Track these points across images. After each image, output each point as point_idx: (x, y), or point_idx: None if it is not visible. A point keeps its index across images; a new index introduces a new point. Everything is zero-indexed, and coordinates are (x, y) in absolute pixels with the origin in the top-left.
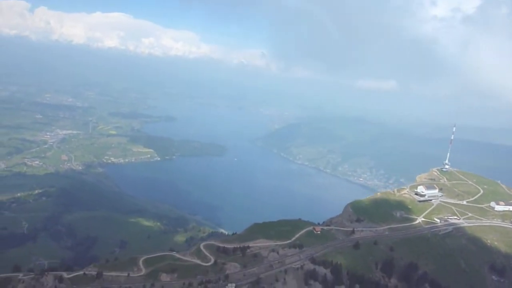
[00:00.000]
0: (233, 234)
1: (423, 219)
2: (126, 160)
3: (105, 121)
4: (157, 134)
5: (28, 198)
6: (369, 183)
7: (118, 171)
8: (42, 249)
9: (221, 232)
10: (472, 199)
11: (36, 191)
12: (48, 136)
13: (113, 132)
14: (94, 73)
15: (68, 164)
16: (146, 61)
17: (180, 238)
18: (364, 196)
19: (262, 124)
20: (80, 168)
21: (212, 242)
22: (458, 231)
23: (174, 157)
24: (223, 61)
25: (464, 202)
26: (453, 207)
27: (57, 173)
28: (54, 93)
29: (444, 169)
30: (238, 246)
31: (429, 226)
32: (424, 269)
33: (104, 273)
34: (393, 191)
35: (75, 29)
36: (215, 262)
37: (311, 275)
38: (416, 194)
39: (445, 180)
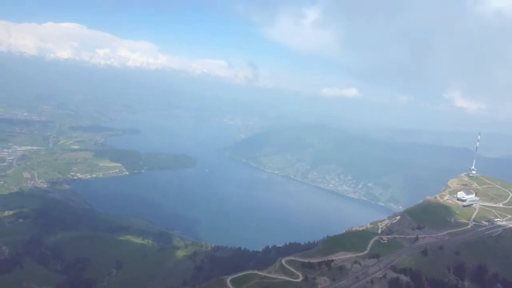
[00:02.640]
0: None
1: (473, 223)
2: (93, 175)
3: (66, 135)
4: (123, 147)
5: (4, 221)
6: (339, 189)
7: (86, 188)
8: (31, 274)
9: (225, 246)
10: (506, 201)
11: (7, 213)
12: (6, 153)
13: (76, 147)
14: (49, 86)
15: (32, 182)
16: (103, 73)
17: (181, 254)
18: (336, 201)
19: (228, 134)
20: (45, 185)
21: (292, 258)
22: (506, 232)
23: (143, 170)
24: (184, 71)
25: (501, 205)
26: (493, 210)
27: (21, 192)
28: (6, 107)
29: (471, 175)
30: (322, 260)
31: (480, 229)
32: (492, 270)
33: None
34: (436, 197)
35: (25, 40)
36: (306, 277)
37: (395, 283)
38: (458, 199)
39: (476, 185)
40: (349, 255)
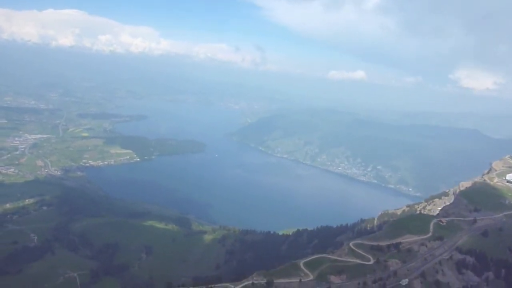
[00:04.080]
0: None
1: None
2: (105, 162)
3: (74, 123)
4: (131, 134)
5: (28, 208)
6: (348, 172)
7: (99, 174)
8: (64, 261)
9: (253, 230)
10: None
11: (28, 201)
12: (18, 142)
13: (86, 134)
14: (54, 73)
15: (46, 170)
16: (107, 59)
17: (209, 238)
18: (346, 184)
19: (234, 118)
20: (59, 173)
21: (359, 241)
22: None
23: (153, 156)
24: (187, 56)
25: None
26: None
27: (37, 180)
28: (14, 96)
29: None
30: (391, 243)
31: None
32: None
33: (275, 281)
34: (484, 180)
35: (27, 27)
36: (378, 260)
37: (462, 264)
38: (508, 181)
39: None
40: (415, 237)
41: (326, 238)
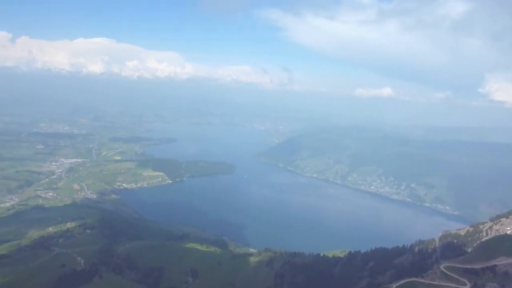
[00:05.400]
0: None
1: None
2: (138, 185)
3: (106, 147)
4: (162, 156)
5: (73, 232)
6: (381, 191)
7: (132, 197)
8: (112, 284)
9: (301, 252)
10: None
11: (69, 224)
12: (54, 166)
13: (118, 158)
14: (85, 99)
15: (82, 193)
16: (135, 85)
17: (254, 261)
18: (380, 203)
19: (260, 139)
20: (95, 196)
21: (449, 264)
22: None
23: (184, 178)
24: (213, 79)
25: None
26: None
27: (75, 204)
28: (49, 122)
29: None
30: (485, 266)
31: None
32: None
33: None
34: None
35: (58, 56)
36: (475, 284)
37: None
38: None
39: None
40: (510, 260)
41: (383, 260)
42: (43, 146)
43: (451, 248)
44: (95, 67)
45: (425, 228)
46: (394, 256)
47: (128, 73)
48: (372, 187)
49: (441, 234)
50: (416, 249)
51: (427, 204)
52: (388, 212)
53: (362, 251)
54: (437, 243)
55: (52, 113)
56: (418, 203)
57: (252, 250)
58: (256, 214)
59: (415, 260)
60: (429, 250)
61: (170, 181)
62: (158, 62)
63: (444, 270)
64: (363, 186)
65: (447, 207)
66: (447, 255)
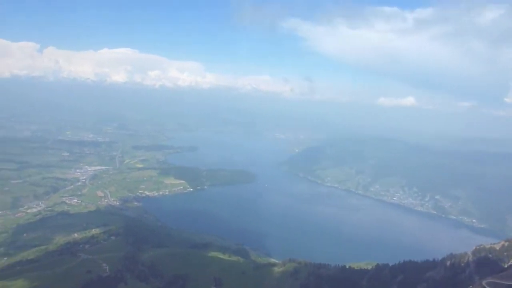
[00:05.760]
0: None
1: None
2: (160, 192)
3: (129, 155)
4: (183, 164)
5: (98, 238)
6: (404, 202)
7: (154, 204)
8: None
9: (326, 264)
10: None
11: (94, 231)
12: (79, 173)
13: (140, 166)
14: (109, 108)
15: (106, 200)
16: (157, 93)
17: (278, 271)
18: (404, 215)
19: (280, 148)
20: (118, 203)
21: (491, 280)
22: None
23: (205, 187)
24: (234, 88)
25: None
26: None
27: (99, 211)
28: (74, 130)
29: None
30: None
31: None
32: None
33: None
34: None
35: (84, 66)
36: None
37: None
38: None
39: None
40: None
41: (413, 273)
42: (68, 154)
43: (486, 263)
44: (119, 77)
45: (452, 241)
46: (425, 270)
47: (150, 82)
48: (395, 198)
49: (474, 248)
50: (448, 263)
51: (453, 217)
52: (412, 224)
53: (390, 264)
54: (470, 257)
55: (77, 121)
56: (443, 215)
57: (273, 260)
58: (277, 224)
59: (447, 275)
60: (462, 264)
61: (191, 189)
62: (179, 72)
63: (487, 286)
64: (386, 197)
65: (474, 220)
66: (482, 270)
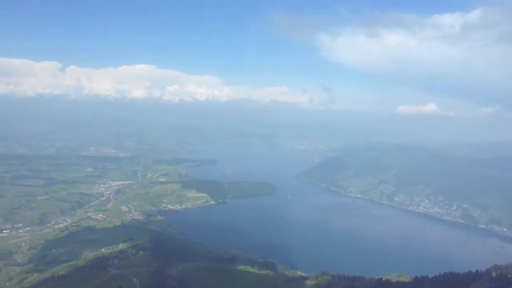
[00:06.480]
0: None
1: None
2: (183, 206)
3: (151, 169)
4: (205, 177)
5: (127, 253)
6: (431, 211)
7: (177, 218)
8: None
9: (361, 276)
10: None
11: (121, 245)
12: (103, 188)
13: (162, 179)
14: (129, 123)
15: (130, 215)
16: (176, 108)
17: (310, 284)
18: (431, 225)
19: (300, 159)
20: (142, 218)
21: None
22: None
23: (227, 199)
24: (251, 101)
25: None
26: None
27: (124, 225)
28: (96, 146)
29: None
30: None
31: None
32: None
33: None
34: None
35: (104, 83)
36: None
37: None
38: None
39: None
40: None
41: (455, 286)
42: (92, 169)
43: None
44: (138, 92)
45: (483, 251)
46: (468, 282)
47: (169, 97)
48: (420, 208)
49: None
50: (493, 274)
51: (482, 226)
52: (440, 233)
53: (429, 276)
54: None
55: (100, 137)
56: (472, 224)
57: (299, 272)
58: (301, 236)
59: (493, 287)
60: (509, 276)
61: (214, 202)
62: (197, 86)
63: None
64: (411, 207)
65: (505, 229)
66: None
